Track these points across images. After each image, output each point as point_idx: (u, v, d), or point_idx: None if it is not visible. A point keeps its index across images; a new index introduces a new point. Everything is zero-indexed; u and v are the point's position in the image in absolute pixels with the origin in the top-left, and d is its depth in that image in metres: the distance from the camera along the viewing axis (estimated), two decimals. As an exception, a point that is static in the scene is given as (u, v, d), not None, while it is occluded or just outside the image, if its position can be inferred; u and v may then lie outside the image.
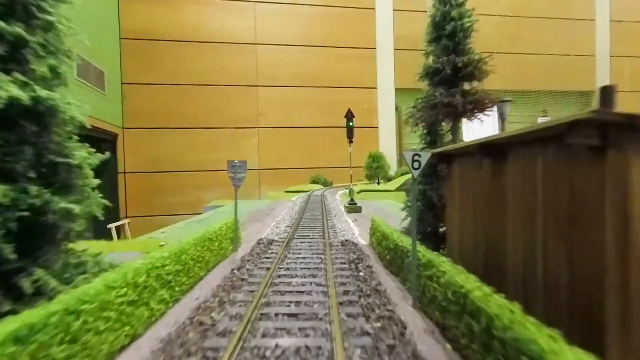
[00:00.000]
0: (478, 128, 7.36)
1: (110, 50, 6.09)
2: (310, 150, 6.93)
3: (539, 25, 8.16)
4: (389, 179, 4.66)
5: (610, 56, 8.49)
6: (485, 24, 7.90)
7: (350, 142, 3.41)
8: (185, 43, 6.72)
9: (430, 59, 3.78)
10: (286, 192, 4.58)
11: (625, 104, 8.20)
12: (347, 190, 4.56)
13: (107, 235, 6.04)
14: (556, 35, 8.23)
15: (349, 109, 2.34)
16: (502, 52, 7.72)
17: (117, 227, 6.30)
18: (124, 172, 6.47)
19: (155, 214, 6.59)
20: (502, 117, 6.23)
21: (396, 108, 7.39)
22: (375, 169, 4.68)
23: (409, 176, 4.13)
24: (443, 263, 2.43)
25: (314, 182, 5.51)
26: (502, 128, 6.32)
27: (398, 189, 3.98)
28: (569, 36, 8.29)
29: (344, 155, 6.87)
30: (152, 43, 6.62)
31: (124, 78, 6.46)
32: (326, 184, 5.27)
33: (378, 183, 4.62)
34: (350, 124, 3.08)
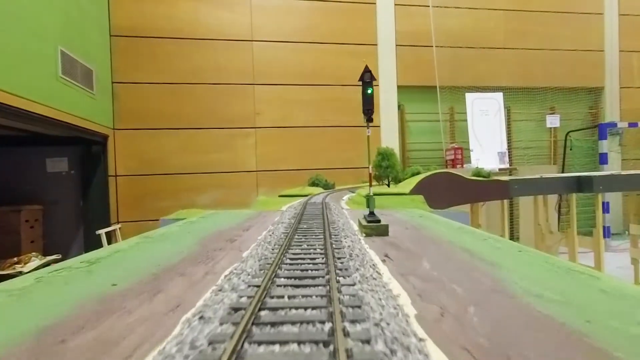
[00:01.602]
0: (482, 120, 7.07)
1: (100, 47, 5.82)
2: (310, 150, 6.64)
3: (545, 19, 7.87)
4: (398, 180, 4.17)
5: (620, 51, 8.20)
6: (489, 18, 7.64)
7: (369, 120, 2.17)
8: (178, 40, 6.45)
9: None
10: (280, 196, 4.07)
11: (635, 101, 7.77)
12: (355, 195, 3.35)
13: (97, 242, 5.76)
14: (563, 30, 7.94)
15: (366, 67, 1.73)
16: (508, 48, 7.45)
17: (107, 233, 6.03)
18: (115, 175, 6.18)
19: (148, 218, 6.30)
20: None
21: (399, 106, 7.08)
22: (386, 169, 4.14)
23: (421, 177, 3.58)
24: None
25: (313, 184, 4.91)
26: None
27: (413, 192, 3.45)
28: (576, 31, 7.99)
29: (346, 155, 6.56)
30: (144, 40, 6.35)
31: (114, 77, 6.18)
32: (327, 186, 4.73)
33: (388, 185, 4.15)
34: (369, 90, 1.94)
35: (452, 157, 6.44)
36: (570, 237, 4.32)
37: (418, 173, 4.12)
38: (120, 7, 6.24)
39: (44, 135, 4.92)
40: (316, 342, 0.49)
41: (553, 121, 7.24)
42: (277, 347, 0.48)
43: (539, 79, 7.76)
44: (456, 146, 6.57)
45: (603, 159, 6.99)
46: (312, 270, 0.88)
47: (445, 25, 7.30)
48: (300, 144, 6.76)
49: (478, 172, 4.26)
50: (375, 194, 1.54)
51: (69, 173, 6.08)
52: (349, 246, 1.16)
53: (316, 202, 2.61)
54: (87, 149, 6.08)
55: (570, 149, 7.44)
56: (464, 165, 6.40)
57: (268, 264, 0.93)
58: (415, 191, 3.06)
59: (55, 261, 5.56)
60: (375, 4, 6.96)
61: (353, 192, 3.63)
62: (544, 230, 4.74)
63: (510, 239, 5.59)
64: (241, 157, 6.64)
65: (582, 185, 4.23)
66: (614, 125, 7.19)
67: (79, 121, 5.17)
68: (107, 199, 6.00)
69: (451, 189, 3.90)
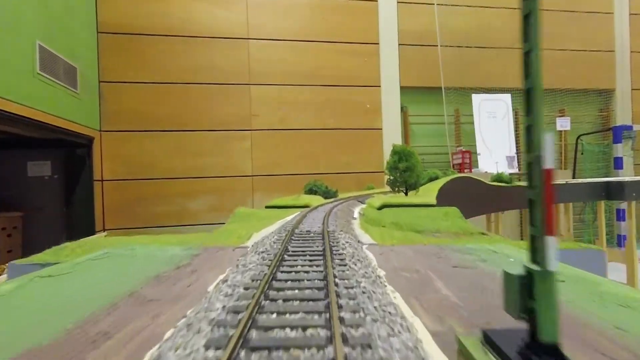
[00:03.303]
0: (489, 122, 6.70)
1: (86, 45, 5.46)
2: (308, 154, 6.27)
3: (553, 18, 7.54)
4: (415, 187, 3.37)
5: (631, 52, 7.85)
6: (496, 17, 7.32)
7: None
8: (170, 38, 6.10)
9: None
10: (267, 207, 3.44)
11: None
12: (366, 206, 2.88)
13: None
14: (572, 30, 7.62)
15: None
16: (515, 48, 7.10)
17: (91, 242, 5.62)
18: (101, 180, 5.79)
19: (136, 226, 5.90)
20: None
21: (402, 108, 6.74)
22: (403, 172, 2.98)
23: (440, 183, 3.04)
24: None
25: (311, 191, 4.32)
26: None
27: (442, 203, 2.60)
28: (585, 30, 7.67)
29: (346, 159, 6.19)
30: (134, 38, 6.00)
31: (102, 76, 5.81)
32: (328, 194, 3.86)
33: (405, 193, 3.21)
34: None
35: (460, 160, 6.07)
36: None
37: (436, 178, 3.56)
38: (109, 3, 5.91)
39: (24, 137, 4.53)
40: None
41: (563, 124, 6.89)
42: None
43: (547, 80, 7.36)
44: (464, 149, 6.20)
45: (618, 163, 6.62)
46: None
47: (450, 24, 6.98)
48: (298, 148, 6.39)
49: (499, 177, 3.85)
50: (391, 206, 1.09)
51: (51, 177, 5.70)
52: None
53: (313, 230, 1.47)
54: (72, 152, 5.70)
55: (582, 153, 7.06)
56: (472, 170, 6.01)
57: None
58: (437, 200, 2.57)
59: (33, 272, 5.13)
60: (377, 1, 6.65)
61: (362, 203, 2.87)
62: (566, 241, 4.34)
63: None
64: (236, 161, 6.28)
65: (611, 191, 3.85)
66: (629, 127, 6.82)
67: (60, 122, 4.80)
68: (93, 205, 5.63)
69: (473, 196, 3.45)
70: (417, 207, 2.26)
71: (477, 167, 6.37)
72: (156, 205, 6.04)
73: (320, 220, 1.76)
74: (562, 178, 5.24)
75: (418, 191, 3.11)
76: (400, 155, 3.17)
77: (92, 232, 5.64)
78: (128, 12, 6.03)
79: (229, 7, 6.34)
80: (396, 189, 3.25)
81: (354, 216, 2.14)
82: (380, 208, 2.34)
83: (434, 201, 2.47)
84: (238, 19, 6.37)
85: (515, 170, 6.59)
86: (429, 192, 2.94)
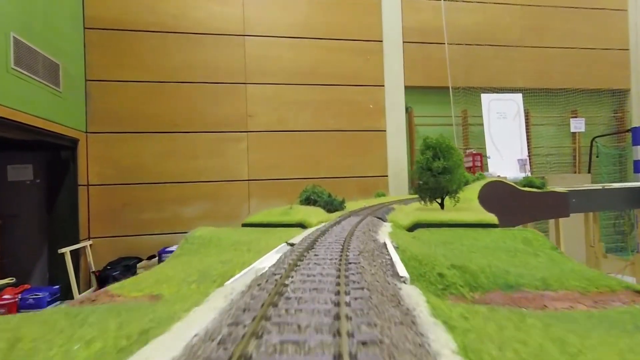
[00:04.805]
0: (499, 123, 6.31)
1: (70, 40, 5.12)
2: (308, 157, 5.92)
3: (564, 15, 7.20)
4: (452, 195, 1.94)
5: (645, 50, 7.48)
6: (505, 13, 6.98)
7: None
8: (162, 34, 5.77)
9: None
10: (244, 225, 1.92)
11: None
12: (391, 229, 1.54)
13: (63, 262, 4.82)
14: (584, 27, 7.26)
15: None
16: (525, 46, 6.78)
17: (74, 252, 5.20)
18: (87, 185, 5.43)
19: (124, 233, 5.53)
20: None
21: (406, 109, 6.39)
22: (439, 175, 1.96)
23: (473, 188, 2.43)
24: None
25: (309, 200, 2.66)
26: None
27: (507, 224, 1.89)
28: (598, 28, 7.32)
29: (348, 163, 5.79)
30: (123, 34, 5.67)
31: (89, 74, 5.48)
32: (332, 204, 2.58)
33: (441, 204, 2.16)
34: None
35: (471, 164, 5.69)
36: (639, 262, 3.49)
37: (466, 183, 2.90)
38: (97, -3, 5.54)
39: (2, 138, 4.16)
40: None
41: (578, 125, 6.51)
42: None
43: (558, 79, 7.05)
44: (474, 152, 5.82)
45: (638, 166, 6.20)
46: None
47: (457, 20, 6.63)
48: (297, 150, 6.02)
49: (529, 182, 3.44)
50: (428, 223, 0.64)
51: (33, 182, 5.32)
52: None
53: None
54: (55, 155, 5.33)
55: (597, 156, 6.65)
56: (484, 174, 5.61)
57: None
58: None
59: (9, 286, 4.75)
60: (380, -5, 6.27)
61: (383, 219, 1.88)
62: (597, 254, 3.92)
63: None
64: (231, 164, 5.91)
65: (654, 198, 3.45)
66: (649, 129, 6.42)
67: (40, 122, 4.43)
68: (77, 211, 5.26)
69: (509, 204, 2.97)
70: (469, 227, 1.47)
71: (487, 170, 5.98)
72: (146, 211, 5.66)
73: (326, 322, 0.55)
74: (581, 183, 4.84)
75: (458, 201, 2.14)
76: (436, 151, 2.10)
77: (76, 240, 5.26)
78: (117, 7, 5.69)
79: (224, 1, 5.98)
80: (427, 198, 2.24)
81: (399, 271, 0.91)
82: (410, 228, 1.63)
83: (494, 219, 1.61)
84: (234, 14, 6.02)
85: (528, 174, 6.18)
86: (471, 203, 2.11)
